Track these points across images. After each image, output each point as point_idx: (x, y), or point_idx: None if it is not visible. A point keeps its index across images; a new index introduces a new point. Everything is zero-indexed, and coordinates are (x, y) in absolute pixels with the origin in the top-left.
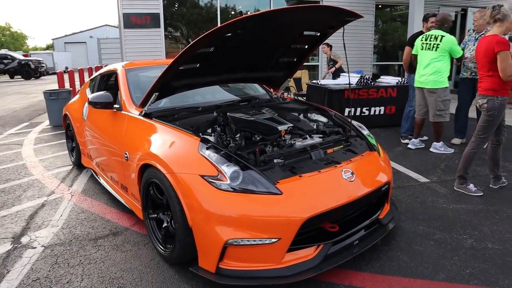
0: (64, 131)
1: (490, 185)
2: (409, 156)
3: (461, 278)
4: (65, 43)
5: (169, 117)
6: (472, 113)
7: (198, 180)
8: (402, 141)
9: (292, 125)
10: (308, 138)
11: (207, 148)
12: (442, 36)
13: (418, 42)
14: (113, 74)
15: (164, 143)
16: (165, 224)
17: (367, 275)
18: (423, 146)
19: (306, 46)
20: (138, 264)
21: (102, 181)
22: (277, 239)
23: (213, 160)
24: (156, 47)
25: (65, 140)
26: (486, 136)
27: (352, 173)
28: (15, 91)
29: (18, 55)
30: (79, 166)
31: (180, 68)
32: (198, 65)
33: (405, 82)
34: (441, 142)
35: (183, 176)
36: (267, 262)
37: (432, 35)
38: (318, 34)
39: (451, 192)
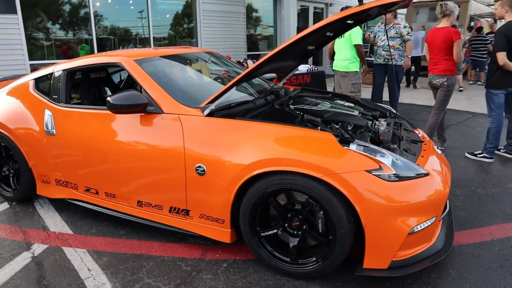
0: None
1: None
2: None
3: None
4: None
5: (239, 114)
6: (385, 95)
7: (367, 177)
8: None
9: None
10: (378, 122)
11: (347, 142)
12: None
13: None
14: (107, 67)
15: (289, 143)
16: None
17: None
18: None
19: (332, 34)
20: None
21: (106, 210)
22: (435, 218)
23: (367, 153)
24: (13, 38)
25: None
26: (444, 107)
27: (437, 147)
28: None
29: None
30: (23, 200)
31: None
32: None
33: (316, 69)
34: None
35: (348, 176)
36: (424, 243)
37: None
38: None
39: None
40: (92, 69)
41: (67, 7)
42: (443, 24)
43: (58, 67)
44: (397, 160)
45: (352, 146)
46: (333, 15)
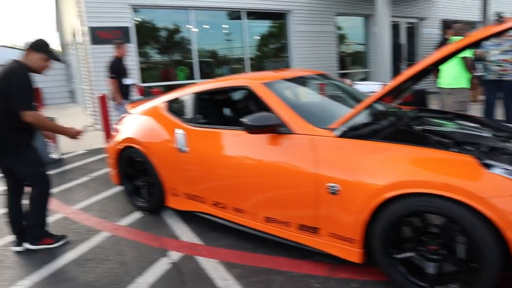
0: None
1: None
2: None
3: None
4: None
5: (368, 135)
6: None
7: None
8: None
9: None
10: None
11: (490, 165)
12: None
13: None
14: (233, 90)
15: (429, 165)
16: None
17: None
18: None
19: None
20: None
21: (233, 224)
22: None
23: None
24: (128, 64)
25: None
26: None
27: None
28: None
29: None
30: (153, 211)
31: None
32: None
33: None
34: None
35: (496, 201)
36: None
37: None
38: None
39: None
40: (219, 92)
41: (171, 35)
42: None
43: (188, 90)
44: None
45: (496, 170)
46: (484, 30)
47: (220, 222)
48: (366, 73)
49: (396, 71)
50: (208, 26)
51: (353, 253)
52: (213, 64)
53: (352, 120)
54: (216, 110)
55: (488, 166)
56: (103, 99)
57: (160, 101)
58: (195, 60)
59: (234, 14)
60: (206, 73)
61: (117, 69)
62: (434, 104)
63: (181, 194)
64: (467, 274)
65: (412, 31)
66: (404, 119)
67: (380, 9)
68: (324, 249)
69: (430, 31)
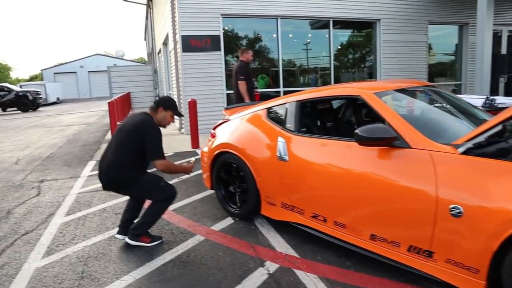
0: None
1: None
2: None
3: None
4: (54, 73)
5: (496, 153)
6: None
7: None
8: None
9: None
10: None
11: None
12: None
13: None
14: (344, 99)
15: None
16: None
17: None
18: None
19: None
20: None
21: (332, 239)
22: None
23: None
24: (216, 71)
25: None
26: None
27: None
28: (29, 125)
29: (15, 87)
30: (245, 217)
31: None
32: None
33: None
34: None
35: None
36: None
37: None
38: None
39: None
40: (326, 101)
41: (257, 43)
42: None
43: (292, 98)
44: None
45: None
46: None
47: (319, 236)
48: (456, 86)
49: (494, 85)
50: (292, 35)
51: (473, 284)
52: (297, 73)
53: (479, 137)
54: (322, 119)
55: None
56: (192, 104)
57: (260, 108)
58: (280, 69)
59: (321, 23)
60: (290, 82)
61: (246, 72)
62: None
63: (278, 204)
64: None
65: None
66: None
67: (481, 16)
68: (438, 275)
69: None
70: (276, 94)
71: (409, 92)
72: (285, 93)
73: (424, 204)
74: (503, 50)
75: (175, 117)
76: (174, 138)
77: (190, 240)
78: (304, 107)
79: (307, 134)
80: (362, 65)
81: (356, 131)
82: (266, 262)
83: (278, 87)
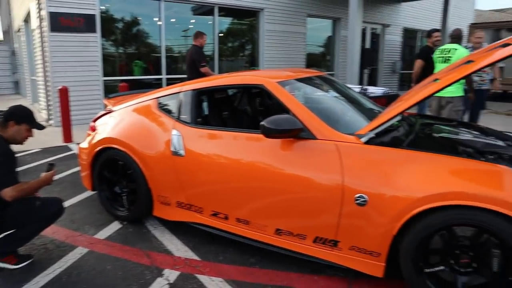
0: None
1: None
2: None
3: None
4: None
5: (393, 142)
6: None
7: None
8: None
9: None
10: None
11: None
12: (455, 49)
13: (435, 56)
14: (244, 89)
15: (469, 177)
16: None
17: None
18: None
19: None
20: None
21: (235, 237)
22: None
23: None
24: (91, 55)
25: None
26: None
27: None
28: None
29: None
30: (134, 220)
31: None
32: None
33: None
34: None
35: None
36: None
37: (446, 48)
38: None
39: None
40: (226, 90)
41: (137, 27)
42: None
43: (188, 87)
44: None
45: None
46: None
47: (221, 235)
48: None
49: (361, 76)
50: (175, 20)
51: (376, 268)
52: (181, 60)
53: (381, 127)
54: (222, 109)
55: None
56: (63, 92)
57: (150, 98)
58: (163, 54)
59: (204, 9)
60: (174, 69)
61: (204, 57)
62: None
63: (173, 203)
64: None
65: (376, 37)
66: (418, 126)
67: (353, 12)
68: (342, 263)
69: (392, 38)
70: (157, 82)
71: (310, 81)
72: (168, 80)
73: (330, 194)
74: (367, 45)
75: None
76: (41, 131)
77: (70, 254)
78: (201, 96)
79: (205, 126)
80: (245, 53)
81: (263, 122)
82: (164, 271)
83: (160, 74)
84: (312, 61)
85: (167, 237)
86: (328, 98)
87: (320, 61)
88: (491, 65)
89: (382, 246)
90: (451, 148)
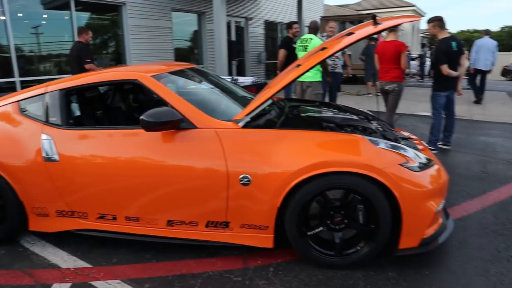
0: None
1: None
2: None
3: None
4: None
5: (268, 124)
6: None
7: (401, 170)
8: None
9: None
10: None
11: (377, 142)
12: (311, 39)
13: (296, 45)
14: (119, 84)
15: (333, 147)
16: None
17: None
18: None
19: None
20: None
21: (126, 236)
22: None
23: (394, 150)
24: None
25: None
26: (396, 109)
27: None
28: None
29: None
30: (5, 240)
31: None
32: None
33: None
34: None
35: (388, 170)
36: (438, 222)
37: (304, 38)
38: None
39: None
40: (98, 87)
41: None
42: (391, 38)
43: (53, 87)
44: (416, 153)
45: (382, 145)
46: (367, 29)
47: (111, 237)
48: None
49: (230, 67)
50: (22, 15)
51: (266, 240)
52: (35, 60)
53: (254, 111)
54: (95, 108)
55: (375, 143)
56: None
57: (7, 102)
58: (13, 54)
59: (58, 3)
60: (29, 70)
61: (90, 53)
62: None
63: (52, 213)
64: (366, 237)
65: (240, 30)
66: (287, 108)
67: (217, 7)
68: (236, 241)
69: (255, 30)
70: (10, 86)
71: (183, 74)
72: (24, 83)
73: (216, 179)
74: (233, 38)
75: None
76: None
77: None
78: (70, 95)
79: (78, 127)
80: (110, 51)
81: (142, 117)
82: (53, 286)
83: (12, 76)
84: (181, 55)
85: (49, 251)
86: (202, 88)
87: (189, 55)
88: (341, 50)
89: (269, 219)
90: (317, 124)
